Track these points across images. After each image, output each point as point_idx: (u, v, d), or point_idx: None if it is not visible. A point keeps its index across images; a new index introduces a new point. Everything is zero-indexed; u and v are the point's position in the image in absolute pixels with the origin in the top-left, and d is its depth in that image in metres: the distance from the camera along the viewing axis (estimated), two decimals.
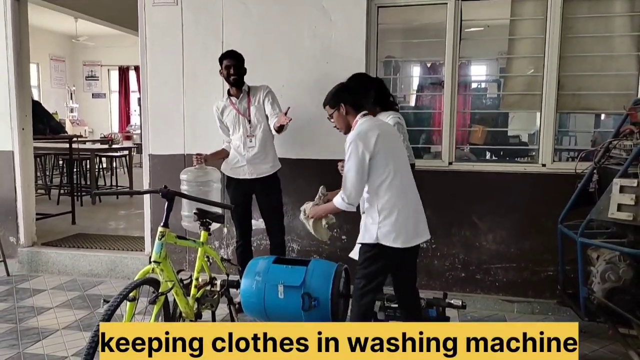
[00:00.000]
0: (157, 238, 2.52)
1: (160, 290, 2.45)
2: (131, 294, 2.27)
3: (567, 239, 2.97)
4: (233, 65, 3.47)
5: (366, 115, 2.61)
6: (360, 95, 2.71)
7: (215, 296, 3.01)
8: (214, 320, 3.16)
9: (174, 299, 2.75)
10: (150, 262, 2.53)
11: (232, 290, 3.19)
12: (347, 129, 2.63)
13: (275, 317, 3.10)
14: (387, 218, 2.46)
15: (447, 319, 2.87)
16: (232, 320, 3.40)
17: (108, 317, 2.11)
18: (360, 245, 2.60)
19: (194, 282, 2.94)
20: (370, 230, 2.50)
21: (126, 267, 4.45)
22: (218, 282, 3.07)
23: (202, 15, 4.09)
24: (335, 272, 2.96)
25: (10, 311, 3.71)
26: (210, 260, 3.14)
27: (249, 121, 3.53)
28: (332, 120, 2.70)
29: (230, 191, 3.62)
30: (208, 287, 3.04)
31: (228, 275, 3.19)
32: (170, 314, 2.68)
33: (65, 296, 4.02)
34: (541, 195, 3.62)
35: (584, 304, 2.79)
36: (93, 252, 4.61)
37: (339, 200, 2.52)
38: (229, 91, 3.59)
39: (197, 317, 2.92)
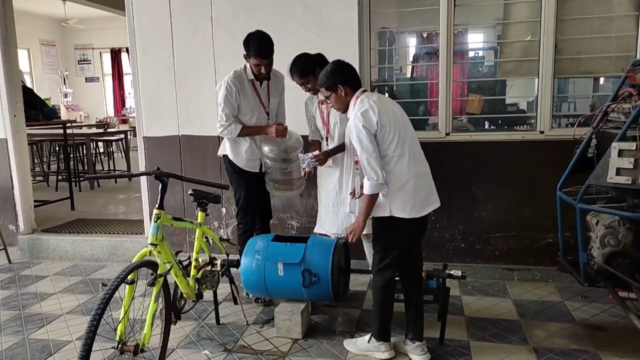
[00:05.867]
0: (152, 220, 2.50)
1: (158, 272, 2.44)
2: (129, 277, 2.26)
3: (566, 206, 2.95)
4: (264, 65, 3.13)
5: (364, 92, 2.57)
6: (354, 72, 2.65)
7: (216, 276, 3.02)
8: (215, 300, 3.18)
9: (175, 280, 2.75)
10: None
11: (234, 270, 3.20)
12: (346, 108, 2.59)
13: (277, 295, 3.12)
14: (399, 190, 2.47)
15: (447, 290, 2.87)
16: (234, 299, 3.42)
17: (106, 301, 2.11)
18: (372, 219, 2.61)
19: (193, 263, 2.94)
20: (383, 204, 2.49)
21: (127, 250, 4.46)
22: (218, 262, 3.07)
23: None
24: (334, 248, 2.95)
25: (13, 298, 3.73)
26: (210, 241, 3.13)
27: (267, 113, 3.35)
28: (329, 101, 2.67)
29: (245, 183, 3.40)
30: (208, 268, 3.05)
31: (228, 255, 3.19)
32: (171, 296, 2.69)
33: (67, 281, 4.04)
34: (540, 162, 3.59)
35: (583, 270, 2.79)
36: (93, 237, 4.62)
37: (369, 187, 2.43)
38: (253, 71, 3.22)
39: (199, 297, 2.94)
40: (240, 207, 3.46)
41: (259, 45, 3.08)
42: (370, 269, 3.08)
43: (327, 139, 3.29)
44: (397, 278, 2.70)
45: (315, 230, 3.47)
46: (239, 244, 3.47)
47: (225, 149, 3.42)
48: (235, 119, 3.27)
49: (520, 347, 2.80)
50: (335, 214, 3.28)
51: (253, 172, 3.40)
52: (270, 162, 3.33)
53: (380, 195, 2.50)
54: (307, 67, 3.10)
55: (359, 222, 2.56)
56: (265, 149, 3.30)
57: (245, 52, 3.15)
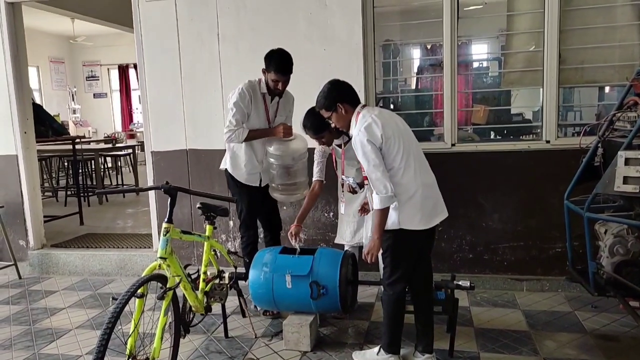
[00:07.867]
0: (161, 234, 2.53)
1: (167, 286, 2.46)
2: (139, 291, 2.28)
3: (573, 215, 2.94)
4: (282, 82, 3.18)
5: (364, 107, 2.59)
6: (351, 89, 2.66)
7: (224, 289, 3.03)
8: (224, 312, 3.19)
9: (184, 294, 2.77)
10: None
11: (242, 283, 3.21)
12: (348, 126, 2.61)
13: (285, 307, 3.12)
14: (407, 201, 2.46)
15: (456, 301, 2.86)
16: (242, 312, 3.43)
17: (116, 315, 2.12)
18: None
19: (201, 276, 2.96)
20: (391, 217, 2.48)
21: (136, 264, 4.48)
22: (226, 275, 3.08)
23: (197, 8, 4.06)
24: (342, 260, 2.96)
25: (23, 313, 3.76)
26: (218, 254, 3.15)
27: None
28: (331, 121, 2.68)
29: (247, 196, 3.42)
30: (216, 281, 3.06)
31: (236, 267, 3.20)
32: (180, 309, 2.70)
33: (77, 296, 4.07)
34: (546, 172, 3.59)
35: (593, 279, 2.77)
36: (102, 252, 4.65)
37: (379, 201, 2.40)
38: (268, 86, 3.25)
39: (207, 310, 2.94)
40: (242, 221, 3.48)
41: (280, 62, 3.14)
42: (379, 280, 3.08)
43: (342, 185, 3.29)
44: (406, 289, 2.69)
45: (335, 241, 3.51)
46: (244, 257, 3.49)
47: (226, 162, 3.46)
48: (241, 123, 3.30)
49: (531, 359, 2.78)
50: (353, 223, 3.33)
51: (252, 185, 3.42)
52: (275, 161, 3.32)
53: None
54: (321, 124, 2.99)
55: (375, 241, 2.49)
56: (270, 148, 3.32)
57: (265, 67, 3.19)
